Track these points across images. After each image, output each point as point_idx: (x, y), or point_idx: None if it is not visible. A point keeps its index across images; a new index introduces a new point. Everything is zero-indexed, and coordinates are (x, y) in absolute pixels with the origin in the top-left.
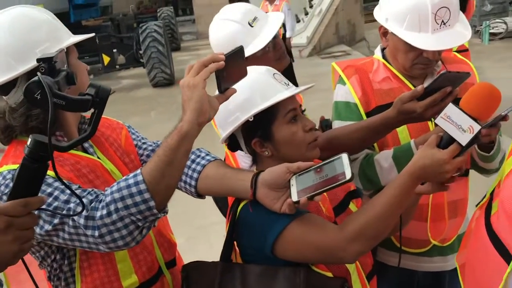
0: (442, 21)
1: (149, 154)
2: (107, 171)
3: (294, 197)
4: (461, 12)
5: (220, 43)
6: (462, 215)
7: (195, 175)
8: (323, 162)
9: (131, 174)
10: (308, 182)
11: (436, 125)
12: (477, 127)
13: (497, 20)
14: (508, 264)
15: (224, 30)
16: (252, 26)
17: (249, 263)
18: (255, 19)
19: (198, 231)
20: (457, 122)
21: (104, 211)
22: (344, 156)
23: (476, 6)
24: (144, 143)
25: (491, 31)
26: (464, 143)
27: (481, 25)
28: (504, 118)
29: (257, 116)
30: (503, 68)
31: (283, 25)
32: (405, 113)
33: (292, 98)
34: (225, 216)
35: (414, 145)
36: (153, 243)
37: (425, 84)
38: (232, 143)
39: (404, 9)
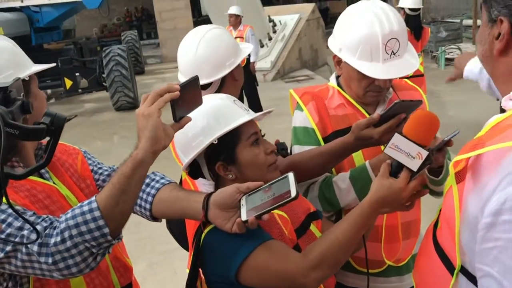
0: (392, 51)
1: (104, 179)
2: (63, 196)
3: (243, 217)
4: (409, 43)
5: (185, 66)
6: (415, 235)
7: (149, 198)
8: (271, 182)
9: (86, 202)
10: (257, 201)
11: None
12: (425, 153)
13: (452, 46)
14: (452, 275)
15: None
16: None
17: None
18: None
19: (161, 257)
20: (405, 150)
21: (58, 238)
22: (290, 175)
23: (432, 33)
24: (100, 168)
25: (447, 56)
26: (415, 169)
27: (437, 51)
28: (448, 143)
29: (221, 139)
30: (457, 91)
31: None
32: (362, 139)
33: (252, 123)
34: (181, 245)
35: (369, 165)
36: (109, 268)
37: (378, 111)
38: (193, 170)
39: (357, 40)
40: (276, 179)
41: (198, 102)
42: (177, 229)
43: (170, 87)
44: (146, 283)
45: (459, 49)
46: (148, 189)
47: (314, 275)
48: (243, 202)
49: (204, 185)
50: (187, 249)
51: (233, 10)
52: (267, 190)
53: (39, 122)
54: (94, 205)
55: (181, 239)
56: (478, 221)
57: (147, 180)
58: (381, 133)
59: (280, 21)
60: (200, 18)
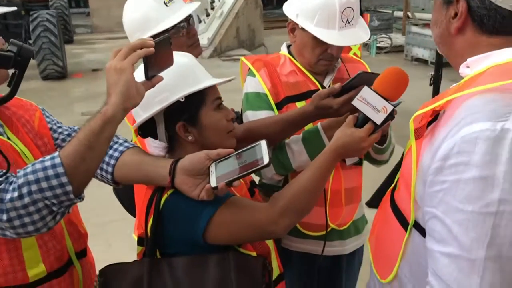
0: (347, 20)
1: (64, 138)
2: (18, 153)
3: (213, 183)
4: (361, 17)
5: (132, 18)
6: (357, 201)
7: (112, 161)
8: (242, 149)
9: (48, 156)
10: (227, 168)
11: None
12: (390, 107)
13: (383, 36)
14: (406, 231)
15: (138, 7)
16: (167, 6)
17: (172, 256)
18: (171, 0)
19: (94, 229)
20: (371, 103)
21: (15, 194)
22: (263, 143)
23: None
24: (59, 127)
25: (378, 45)
26: (379, 122)
27: (369, 39)
28: (392, 112)
29: (186, 99)
30: None
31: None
32: (322, 109)
33: (216, 88)
34: (130, 213)
35: (321, 127)
36: (64, 232)
37: (328, 79)
38: (146, 128)
39: (315, 7)
40: (248, 147)
41: (170, 62)
42: (125, 195)
43: (145, 42)
44: None
45: (390, 38)
46: (110, 152)
47: (282, 222)
48: (212, 169)
49: (155, 148)
50: (135, 215)
51: None
52: (238, 157)
53: (6, 49)
54: (58, 160)
55: (129, 206)
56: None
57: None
58: (341, 104)
59: None
60: None
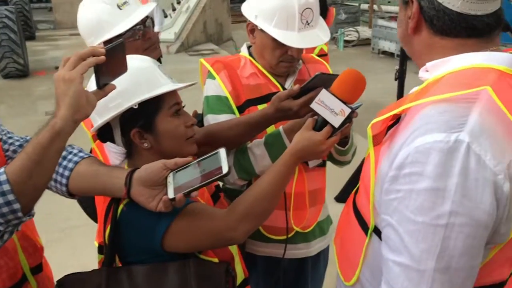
0: (307, 21)
1: (16, 149)
2: None
3: (170, 194)
4: (321, 17)
5: (85, 23)
6: (321, 203)
7: (66, 173)
8: (201, 158)
9: None
10: (185, 178)
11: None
12: (347, 110)
13: (350, 29)
14: (367, 235)
15: (91, 10)
16: (120, 9)
17: (133, 264)
18: (125, 2)
19: (61, 234)
20: (329, 106)
21: None
22: (222, 151)
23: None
24: (10, 137)
25: (345, 38)
26: (337, 125)
27: (337, 33)
28: (352, 113)
29: (141, 105)
30: None
31: (152, 20)
32: (282, 111)
33: (175, 93)
34: (91, 217)
35: (283, 130)
36: (17, 248)
37: (289, 81)
38: (104, 133)
39: (274, 8)
40: (206, 155)
41: (123, 69)
42: (87, 201)
43: (95, 50)
44: None
45: (357, 31)
46: (64, 163)
47: (242, 227)
48: (170, 179)
49: (114, 153)
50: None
51: None
52: (196, 167)
53: None
54: (3, 177)
55: (91, 212)
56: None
57: (64, 153)
58: (300, 105)
59: None
60: None
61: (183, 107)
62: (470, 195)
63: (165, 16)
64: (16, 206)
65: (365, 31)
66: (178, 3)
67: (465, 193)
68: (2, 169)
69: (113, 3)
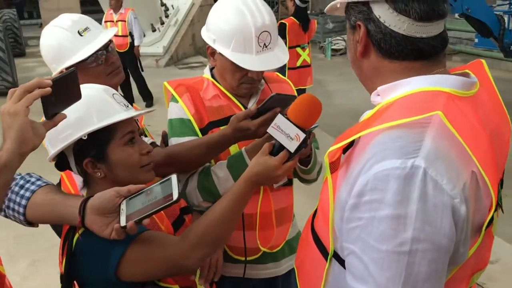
0: (264, 44)
1: None
2: None
3: (122, 222)
4: (280, 38)
5: (47, 50)
6: (289, 221)
7: (23, 202)
8: (153, 185)
9: None
10: (137, 205)
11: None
12: (302, 135)
13: (338, 38)
14: (326, 260)
15: (52, 37)
16: (81, 35)
17: None
18: (86, 29)
19: (45, 253)
20: (285, 131)
21: None
22: (173, 177)
23: (320, 24)
24: None
25: (333, 47)
26: (292, 150)
27: (324, 42)
28: (310, 134)
29: (92, 135)
30: (342, 81)
31: (130, 34)
32: (240, 131)
33: (130, 121)
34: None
35: (245, 151)
36: None
37: (252, 102)
38: (60, 161)
39: (231, 32)
40: (159, 182)
41: (75, 97)
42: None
43: (40, 82)
44: (27, 281)
45: (345, 40)
46: (22, 191)
47: (194, 254)
48: (123, 206)
49: (78, 179)
50: None
51: None
52: (149, 193)
53: None
54: None
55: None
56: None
57: (21, 182)
58: (258, 125)
59: (172, 6)
60: None
61: (141, 133)
62: (430, 221)
63: (153, 30)
64: None
65: None
66: (166, 16)
67: (425, 219)
68: None
69: (74, 30)
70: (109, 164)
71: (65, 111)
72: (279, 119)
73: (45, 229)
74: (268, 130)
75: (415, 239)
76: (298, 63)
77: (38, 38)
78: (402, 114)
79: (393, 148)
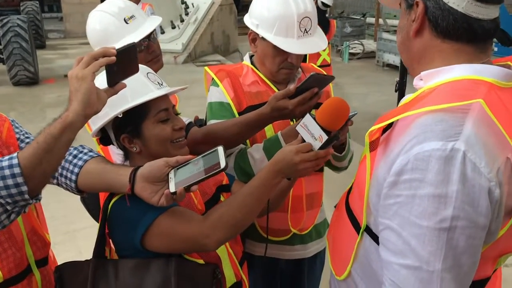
0: (305, 29)
1: None
2: None
3: (172, 188)
4: (318, 27)
5: (92, 33)
6: (318, 206)
7: (76, 170)
8: (200, 156)
9: (7, 157)
10: (186, 174)
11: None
12: (325, 137)
13: (356, 42)
14: (358, 234)
15: (99, 21)
16: (127, 23)
17: (124, 258)
18: (132, 17)
19: (65, 237)
20: (311, 131)
21: None
22: (220, 148)
23: (338, 27)
24: (27, 137)
25: (350, 51)
26: (315, 149)
27: (342, 45)
28: (347, 122)
29: (127, 113)
30: (359, 84)
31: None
32: (278, 110)
33: (165, 98)
34: (96, 219)
35: (281, 135)
36: (24, 240)
37: (292, 86)
38: (104, 137)
39: (274, 17)
40: (205, 153)
41: (134, 70)
42: (92, 203)
43: (106, 51)
44: None
45: (362, 44)
46: (75, 161)
47: (214, 235)
48: (171, 175)
49: (118, 154)
50: None
51: None
52: (196, 163)
53: None
54: (15, 161)
55: (96, 213)
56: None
57: (74, 152)
58: (295, 104)
59: (192, 4)
60: None
61: (178, 114)
62: (469, 201)
63: (173, 27)
64: (24, 188)
65: (370, 44)
66: (186, 14)
67: (464, 199)
68: (15, 154)
69: (121, 17)
70: (143, 140)
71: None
72: (307, 119)
73: (65, 214)
74: (296, 128)
75: (455, 217)
76: (318, 62)
77: (58, 31)
78: (445, 99)
79: (435, 130)
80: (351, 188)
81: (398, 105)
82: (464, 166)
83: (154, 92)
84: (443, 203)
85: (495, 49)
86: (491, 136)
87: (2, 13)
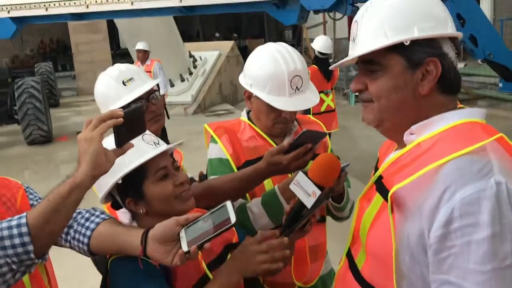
0: (296, 87)
1: None
2: None
3: (185, 247)
4: (311, 82)
5: (96, 94)
6: (322, 257)
7: (88, 233)
8: (209, 212)
9: (16, 216)
10: (197, 232)
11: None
12: (318, 193)
13: None
14: None
15: (101, 84)
16: (125, 85)
17: None
18: (130, 79)
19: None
20: (304, 188)
21: None
22: (228, 204)
23: (343, 71)
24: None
25: (356, 94)
26: (309, 206)
27: (348, 89)
28: (341, 173)
29: (126, 177)
30: (366, 127)
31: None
32: (273, 165)
33: (162, 156)
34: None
35: (278, 189)
36: None
37: (286, 142)
38: (114, 202)
39: (266, 77)
40: (214, 209)
41: (142, 130)
42: (102, 262)
43: (114, 113)
44: None
45: None
46: (87, 224)
47: None
48: (182, 234)
49: (124, 213)
50: None
51: (141, 46)
52: (206, 220)
53: None
54: (23, 220)
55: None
56: (424, 241)
57: (87, 215)
58: (290, 160)
59: (200, 57)
60: (118, 51)
61: (177, 168)
62: None
63: (182, 80)
64: (30, 248)
65: None
66: (195, 67)
67: None
68: (25, 213)
69: (119, 79)
70: (147, 200)
71: None
72: (300, 177)
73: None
74: (290, 186)
75: None
76: (323, 108)
77: (71, 89)
78: (459, 144)
79: (473, 172)
80: (350, 258)
81: (383, 166)
82: (509, 196)
83: (149, 153)
84: (499, 240)
85: (500, 85)
86: (511, 166)
87: (18, 75)
